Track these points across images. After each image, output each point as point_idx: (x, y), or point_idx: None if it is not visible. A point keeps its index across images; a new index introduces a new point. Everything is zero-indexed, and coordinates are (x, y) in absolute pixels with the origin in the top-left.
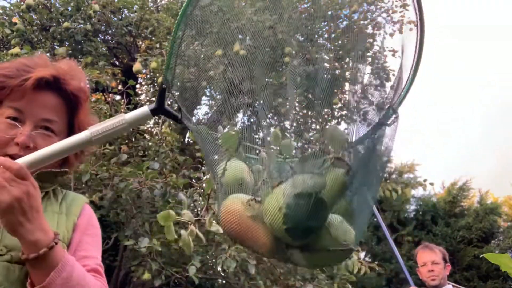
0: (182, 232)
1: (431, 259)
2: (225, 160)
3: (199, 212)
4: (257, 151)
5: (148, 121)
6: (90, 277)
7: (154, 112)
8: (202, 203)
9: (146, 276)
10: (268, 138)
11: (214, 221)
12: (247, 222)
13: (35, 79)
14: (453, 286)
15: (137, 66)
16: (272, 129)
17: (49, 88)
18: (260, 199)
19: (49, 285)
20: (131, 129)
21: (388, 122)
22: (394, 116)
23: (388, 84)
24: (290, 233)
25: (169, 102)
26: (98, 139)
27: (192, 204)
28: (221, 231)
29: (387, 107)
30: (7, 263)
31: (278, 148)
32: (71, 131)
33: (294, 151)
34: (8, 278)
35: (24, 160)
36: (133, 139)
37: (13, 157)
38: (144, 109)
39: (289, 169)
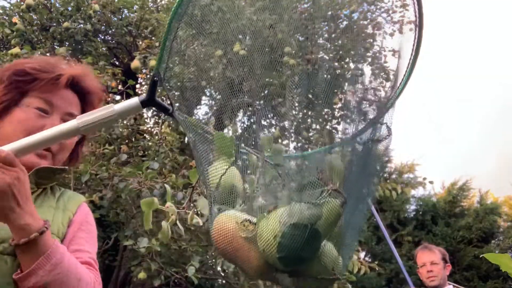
0: (163, 223)
1: (429, 260)
2: (220, 169)
3: (199, 212)
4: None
5: (148, 121)
6: (83, 267)
7: (144, 103)
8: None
9: (141, 275)
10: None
11: (195, 216)
12: (239, 243)
13: (69, 76)
14: (453, 286)
15: (135, 63)
16: (270, 131)
17: (70, 86)
18: (255, 220)
19: (37, 270)
20: (130, 129)
21: (381, 139)
22: (387, 133)
23: (388, 84)
24: (282, 261)
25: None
26: (86, 129)
27: (191, 205)
28: (201, 223)
29: (380, 123)
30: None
31: (269, 151)
32: None
33: (284, 155)
34: (0, 269)
35: (10, 147)
36: (133, 139)
37: None
38: (134, 100)
39: (286, 194)
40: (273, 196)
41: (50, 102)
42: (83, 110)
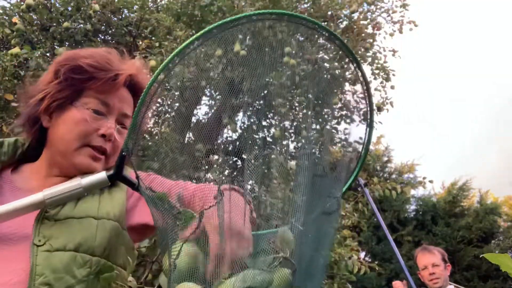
0: None
1: (431, 262)
2: (180, 242)
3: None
4: None
5: (148, 121)
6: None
7: (111, 178)
8: None
9: (149, 276)
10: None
11: None
12: None
13: (128, 76)
14: (454, 286)
15: None
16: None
17: (125, 84)
18: None
19: None
20: None
21: (331, 211)
22: (336, 206)
23: (389, 84)
24: None
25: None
26: (51, 201)
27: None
28: None
29: (334, 196)
30: (46, 253)
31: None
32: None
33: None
34: (50, 266)
35: None
36: None
37: (99, 149)
38: (102, 175)
39: (240, 263)
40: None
41: (107, 103)
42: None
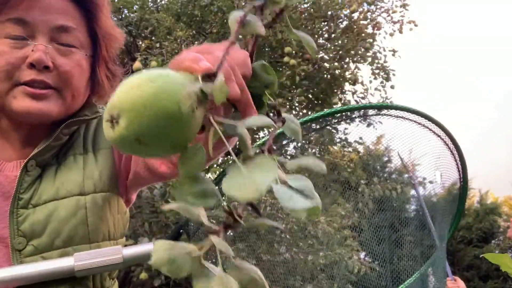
0: None
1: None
2: None
3: None
4: None
5: None
6: None
7: None
8: None
9: (143, 276)
10: None
11: None
12: None
13: None
14: None
15: (137, 65)
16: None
17: None
18: None
19: None
20: None
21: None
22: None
23: (389, 84)
24: None
25: None
26: (82, 271)
27: None
28: None
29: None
30: (31, 258)
31: None
32: (94, 44)
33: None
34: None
35: None
36: None
37: (31, 84)
38: (148, 247)
39: None
40: None
41: (24, 20)
42: (88, 19)
